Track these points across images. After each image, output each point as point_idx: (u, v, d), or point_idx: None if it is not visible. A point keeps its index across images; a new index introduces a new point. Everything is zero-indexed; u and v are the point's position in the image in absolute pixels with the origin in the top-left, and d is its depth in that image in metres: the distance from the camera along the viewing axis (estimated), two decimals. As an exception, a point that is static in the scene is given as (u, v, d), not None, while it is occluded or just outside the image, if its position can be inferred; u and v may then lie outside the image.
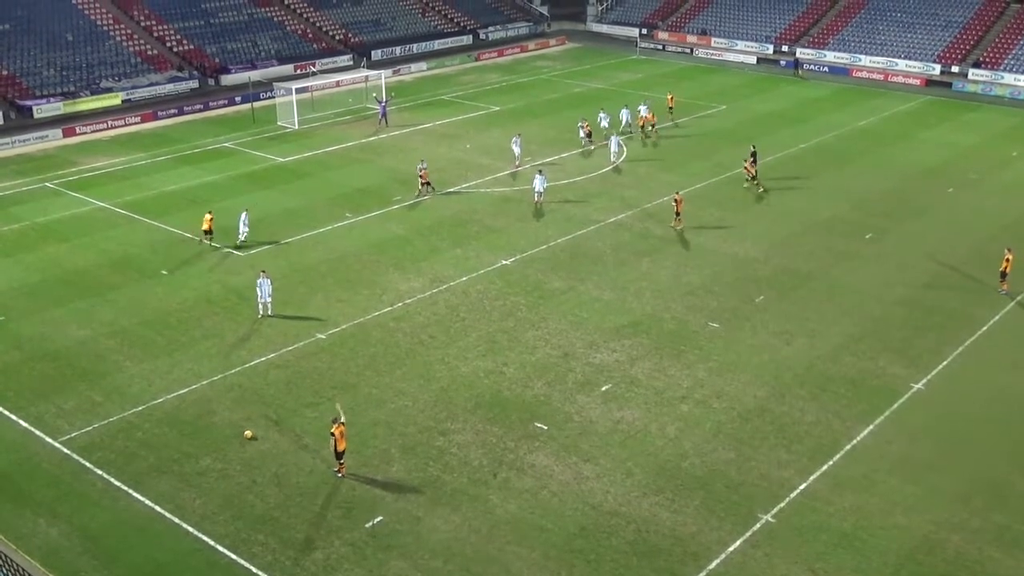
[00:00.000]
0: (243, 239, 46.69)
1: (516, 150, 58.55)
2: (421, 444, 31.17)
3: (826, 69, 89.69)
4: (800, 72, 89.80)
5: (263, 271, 40.15)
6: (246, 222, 47.02)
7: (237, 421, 32.25)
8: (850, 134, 67.94)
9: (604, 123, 64.02)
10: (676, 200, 49.54)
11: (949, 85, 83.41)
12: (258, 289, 39.37)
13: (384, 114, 68.05)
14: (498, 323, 39.30)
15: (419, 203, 52.51)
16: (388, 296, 41.57)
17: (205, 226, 46.69)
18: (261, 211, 51.32)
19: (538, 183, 51.67)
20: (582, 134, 62.86)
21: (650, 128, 65.93)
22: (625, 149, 60.37)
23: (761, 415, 32.92)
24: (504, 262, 45.08)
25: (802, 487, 29.20)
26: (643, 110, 66.18)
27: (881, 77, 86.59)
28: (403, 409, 33.12)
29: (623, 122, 65.90)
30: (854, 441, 31.46)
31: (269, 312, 39.37)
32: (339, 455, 29.27)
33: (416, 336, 38.20)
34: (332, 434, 29.14)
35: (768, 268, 44.78)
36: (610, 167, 58.14)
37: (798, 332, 38.71)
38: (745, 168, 55.96)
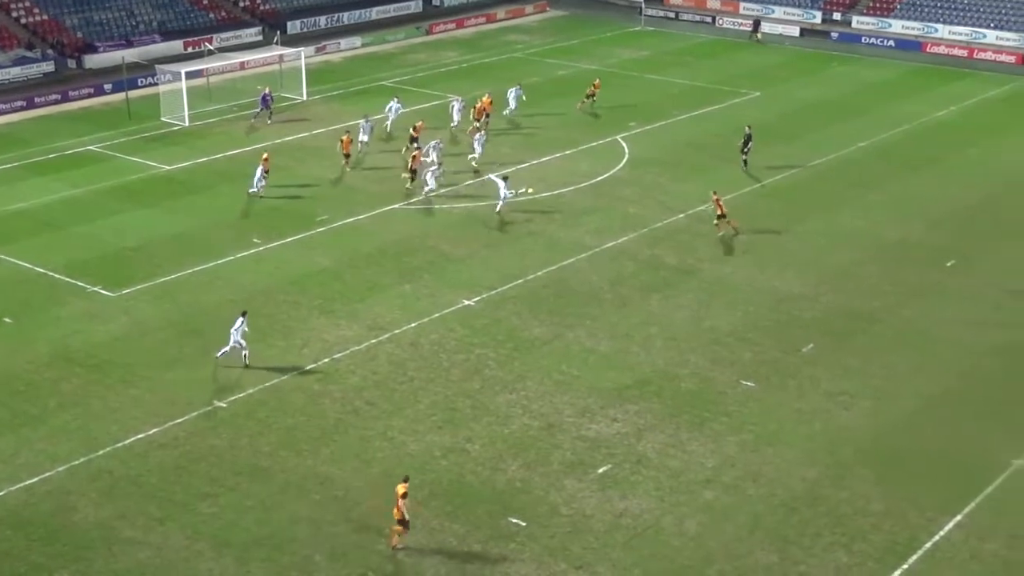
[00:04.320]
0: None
1: (392, 116, 65.42)
2: (356, 548, 31.01)
3: (891, 43, 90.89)
4: (757, 36, 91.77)
5: (244, 312, 40.47)
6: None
7: (107, 520, 31.95)
8: (924, 129, 68.77)
9: (392, 114, 65.55)
10: (716, 201, 50.98)
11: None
12: (235, 333, 39.77)
13: (267, 105, 68.51)
14: (459, 384, 39.32)
15: (349, 225, 52.62)
16: (311, 349, 41.52)
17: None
18: (139, 237, 51.26)
19: (502, 188, 53.52)
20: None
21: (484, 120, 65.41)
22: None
23: (812, 504, 33.03)
24: (467, 302, 45.20)
25: (868, 600, 29.40)
26: (512, 95, 68.51)
27: (964, 53, 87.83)
28: (332, 501, 32.97)
29: (511, 107, 68.35)
30: (936, 537, 31.55)
31: (246, 362, 39.94)
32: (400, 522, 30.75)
33: (349, 403, 38.13)
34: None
35: (818, 308, 45.13)
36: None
37: (859, 392, 38.96)
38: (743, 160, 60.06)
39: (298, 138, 65.67)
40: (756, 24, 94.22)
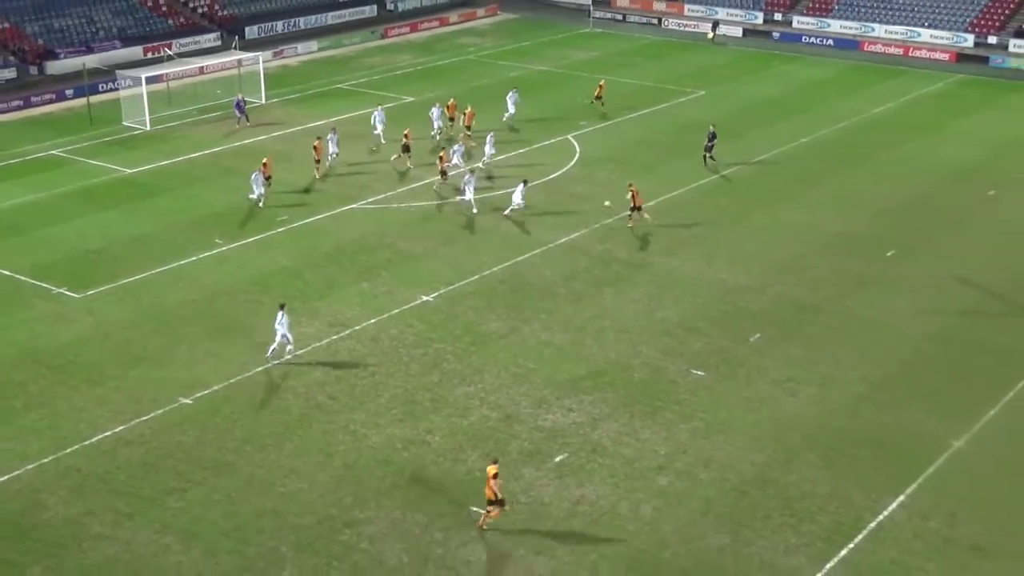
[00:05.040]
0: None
1: (379, 127, 63.59)
2: (321, 539, 30.99)
3: (830, 42, 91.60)
4: (714, 35, 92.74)
5: (282, 304, 40.47)
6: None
7: (76, 517, 31.75)
8: (862, 125, 69.36)
9: (379, 126, 64.15)
10: (632, 193, 51.53)
11: (986, 60, 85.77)
12: (279, 327, 39.77)
13: (241, 109, 68.46)
14: (418, 378, 39.33)
15: (309, 225, 52.50)
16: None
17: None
18: (103, 239, 50.90)
19: (518, 195, 53.08)
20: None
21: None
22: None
23: (762, 487, 33.28)
24: (425, 298, 45.19)
25: (816, 579, 29.64)
26: (511, 100, 67.76)
27: (900, 52, 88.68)
28: (296, 494, 32.92)
29: (510, 112, 67.58)
30: (880, 517, 31.92)
31: (272, 356, 40.03)
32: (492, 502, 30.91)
33: (311, 398, 38.07)
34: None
35: (765, 299, 45.44)
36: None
37: (805, 380, 39.30)
38: (704, 156, 60.53)
39: (257, 141, 65.34)
40: (715, 25, 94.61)
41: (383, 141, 63.29)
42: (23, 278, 46.94)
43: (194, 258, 48.99)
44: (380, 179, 58.62)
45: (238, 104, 68.54)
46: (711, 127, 60.91)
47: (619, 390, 38.51)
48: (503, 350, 41.20)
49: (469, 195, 53.46)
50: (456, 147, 58.99)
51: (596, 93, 71.40)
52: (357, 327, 42.65)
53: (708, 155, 60.36)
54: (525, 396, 38.10)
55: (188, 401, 37.71)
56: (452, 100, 66.70)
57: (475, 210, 53.41)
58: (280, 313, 39.88)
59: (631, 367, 40.07)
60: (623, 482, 33.43)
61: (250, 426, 36.32)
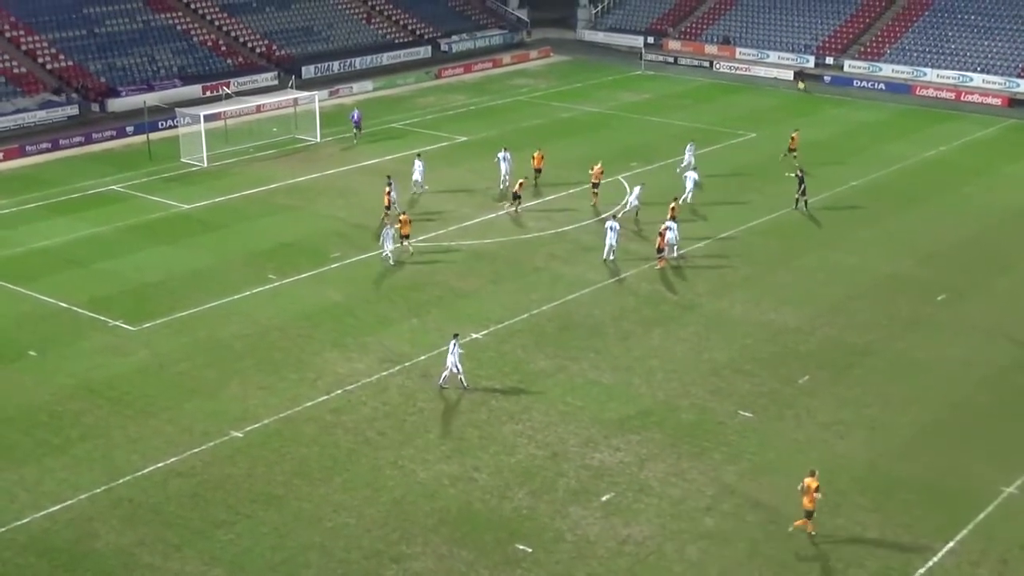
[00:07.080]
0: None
1: (504, 167, 62.86)
2: (368, 574, 30.91)
3: (882, 86, 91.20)
4: (804, 84, 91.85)
5: (455, 335, 41.02)
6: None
7: (127, 546, 31.90)
8: (914, 168, 68.85)
9: (504, 166, 63.15)
10: (661, 233, 51.92)
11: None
12: (451, 357, 40.29)
13: (358, 125, 72.99)
14: (467, 415, 39.29)
15: (361, 262, 52.73)
16: (324, 381, 41.51)
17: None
18: (159, 273, 51.38)
19: (611, 235, 52.43)
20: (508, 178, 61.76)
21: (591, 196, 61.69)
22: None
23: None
24: (474, 336, 45.19)
25: (864, 624, 29.25)
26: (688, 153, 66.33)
27: (952, 96, 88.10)
28: (344, 528, 32.92)
29: (687, 162, 65.71)
30: (929, 563, 31.44)
31: (444, 384, 40.79)
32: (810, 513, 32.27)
33: (361, 433, 38.11)
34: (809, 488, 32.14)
35: (814, 341, 45.09)
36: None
37: (855, 423, 38.88)
38: (798, 200, 60.11)
39: (310, 178, 65.88)
40: (802, 75, 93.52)
41: (424, 188, 62.24)
42: (81, 310, 47.46)
43: (248, 293, 49.35)
44: (432, 218, 58.84)
45: (356, 121, 72.85)
46: (798, 172, 60.58)
47: (667, 430, 38.29)
48: (551, 388, 41.11)
49: (610, 239, 52.49)
50: (635, 190, 58.53)
51: (789, 145, 68.77)
52: (407, 363, 42.72)
53: (803, 198, 59.97)
54: (573, 434, 37.95)
55: (239, 434, 37.88)
56: (539, 152, 64.72)
57: (611, 257, 52.62)
58: (453, 343, 40.40)
59: (679, 407, 39.85)
60: (670, 522, 33.17)
61: (299, 460, 36.40)
